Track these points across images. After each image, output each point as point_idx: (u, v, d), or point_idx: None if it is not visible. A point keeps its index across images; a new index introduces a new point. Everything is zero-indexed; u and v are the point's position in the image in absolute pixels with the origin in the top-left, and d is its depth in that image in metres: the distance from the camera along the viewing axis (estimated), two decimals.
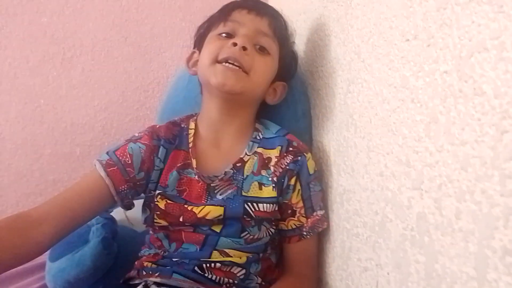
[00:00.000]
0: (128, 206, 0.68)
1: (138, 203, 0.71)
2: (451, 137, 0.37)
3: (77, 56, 1.29)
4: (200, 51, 0.72)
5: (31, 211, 0.59)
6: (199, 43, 0.75)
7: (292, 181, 0.68)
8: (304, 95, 0.83)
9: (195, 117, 0.75)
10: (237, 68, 0.65)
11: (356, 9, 0.60)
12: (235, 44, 0.65)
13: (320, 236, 0.71)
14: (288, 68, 0.76)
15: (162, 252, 0.69)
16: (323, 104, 0.75)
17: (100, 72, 1.30)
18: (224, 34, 0.69)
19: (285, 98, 0.79)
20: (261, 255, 0.70)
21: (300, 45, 0.93)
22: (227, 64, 0.65)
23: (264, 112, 0.76)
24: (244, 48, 0.65)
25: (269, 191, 0.67)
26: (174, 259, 0.68)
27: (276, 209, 0.68)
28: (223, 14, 0.71)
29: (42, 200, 1.24)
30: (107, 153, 0.67)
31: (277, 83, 0.74)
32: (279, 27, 0.72)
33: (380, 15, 0.52)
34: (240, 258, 0.68)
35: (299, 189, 0.68)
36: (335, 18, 0.69)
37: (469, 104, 0.35)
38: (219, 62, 0.65)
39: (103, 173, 0.64)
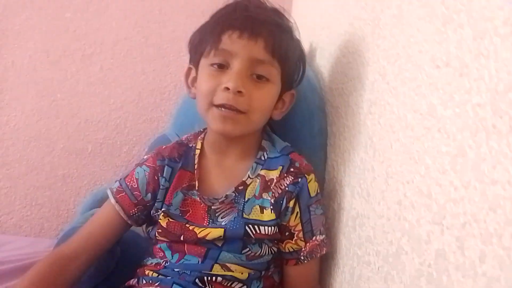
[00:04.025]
0: (143, 223, 0.72)
1: None
2: (480, 174, 0.35)
3: (97, 54, 1.29)
4: (196, 70, 0.69)
5: (64, 248, 0.67)
6: (193, 58, 0.70)
7: (291, 204, 0.66)
8: (322, 111, 0.81)
9: (202, 135, 0.74)
10: (234, 112, 0.62)
11: (384, 29, 0.58)
12: (228, 89, 0.61)
13: (328, 258, 0.69)
14: (295, 77, 0.73)
15: (164, 262, 0.68)
16: (341, 123, 0.73)
17: (119, 71, 1.31)
18: (216, 65, 0.64)
19: (302, 113, 0.77)
20: (263, 272, 0.68)
21: (320, 59, 0.92)
22: (223, 109, 0.62)
23: (279, 126, 0.75)
24: (238, 91, 0.61)
25: (269, 214, 0.66)
26: (175, 270, 0.67)
27: (277, 231, 0.66)
28: (213, 38, 0.64)
29: (51, 194, 1.28)
30: (119, 181, 0.71)
31: (285, 94, 0.70)
32: (278, 45, 0.64)
33: (409, 38, 0.50)
34: (242, 273, 0.66)
35: (297, 212, 0.66)
36: (360, 36, 0.68)
37: (502, 142, 0.33)
38: (215, 105, 0.63)
39: (113, 201, 0.69)
